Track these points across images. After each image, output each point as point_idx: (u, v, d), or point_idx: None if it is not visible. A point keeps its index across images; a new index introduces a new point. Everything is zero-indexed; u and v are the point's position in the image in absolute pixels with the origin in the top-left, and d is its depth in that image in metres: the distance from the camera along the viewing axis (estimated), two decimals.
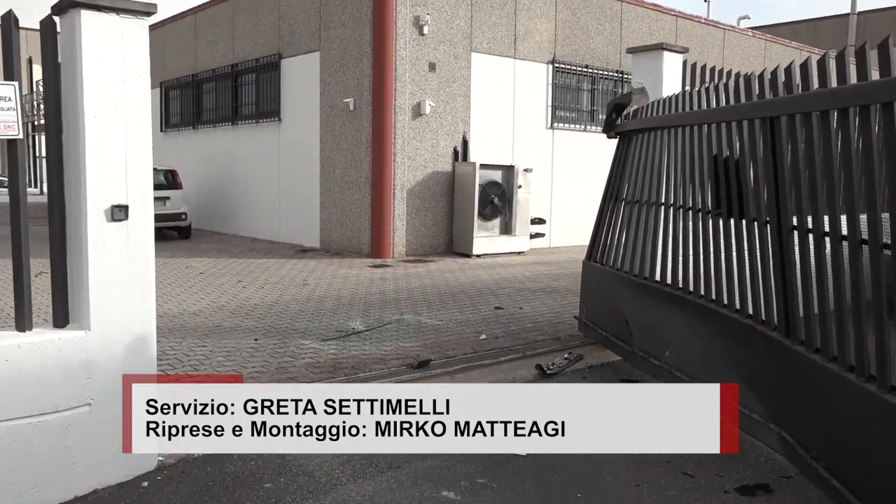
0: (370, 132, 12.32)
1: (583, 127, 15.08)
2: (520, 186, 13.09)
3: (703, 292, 4.88)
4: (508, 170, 13.07)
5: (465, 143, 13.16)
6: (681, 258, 5.22)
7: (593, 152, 15.21)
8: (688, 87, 6.34)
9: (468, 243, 12.68)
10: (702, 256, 4.91)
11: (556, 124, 14.60)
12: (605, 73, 15.31)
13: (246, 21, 15.65)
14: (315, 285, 9.62)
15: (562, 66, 14.51)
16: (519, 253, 13.31)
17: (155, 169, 15.69)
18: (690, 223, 5.10)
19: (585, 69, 14.92)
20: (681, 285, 5.19)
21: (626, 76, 15.56)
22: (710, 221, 4.87)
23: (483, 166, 12.66)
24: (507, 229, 13.15)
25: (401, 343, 6.47)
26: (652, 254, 5.60)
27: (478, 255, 12.73)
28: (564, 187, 14.88)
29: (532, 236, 13.57)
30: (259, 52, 15.21)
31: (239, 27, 15.91)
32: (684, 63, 6.53)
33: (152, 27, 20.67)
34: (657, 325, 5.47)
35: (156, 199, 14.87)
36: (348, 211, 12.94)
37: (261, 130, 15.33)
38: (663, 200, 5.61)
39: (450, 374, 5.56)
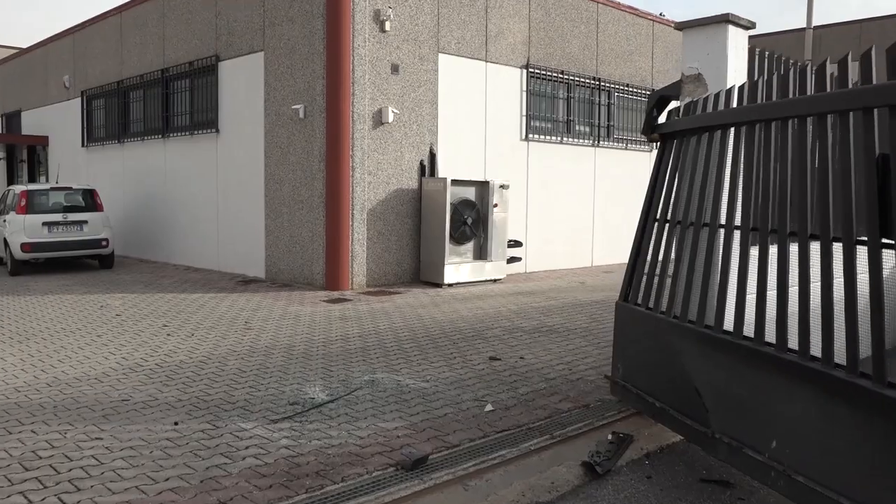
0: (324, 143, 10.54)
1: (559, 139, 13.57)
2: (495, 205, 11.46)
3: (846, 362, 3.26)
4: (482, 186, 11.43)
5: (432, 157, 11.47)
6: (796, 305, 3.60)
7: (570, 167, 13.75)
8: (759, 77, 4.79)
9: (439, 271, 10.96)
10: (842, 305, 3.30)
11: (531, 136, 13.05)
12: (582, 79, 13.87)
13: (178, 20, 13.70)
14: (260, 329, 7.74)
15: (536, 70, 12.99)
16: (495, 281, 11.65)
17: (70, 189, 13.64)
18: (818, 256, 3.48)
19: (561, 75, 13.44)
20: (796, 346, 3.57)
21: (603, 84, 14.18)
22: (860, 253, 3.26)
23: (455, 182, 10.99)
24: (481, 254, 11.49)
25: (380, 423, 4.68)
26: (739, 297, 3.97)
27: (450, 285, 11.01)
28: (541, 206, 13.32)
29: (508, 261, 11.94)
30: (193, 55, 13.27)
31: (170, 27, 13.94)
32: (752, 50, 4.97)
33: (70, 31, 18.53)
34: (754, 400, 3.83)
35: (71, 223, 12.66)
36: (299, 235, 11.09)
37: (196, 143, 13.36)
38: (754, 223, 3.99)
39: (460, 480, 3.81)
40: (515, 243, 12.30)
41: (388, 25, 10.67)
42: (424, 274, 11.24)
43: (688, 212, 4.59)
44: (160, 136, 14.35)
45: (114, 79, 15.93)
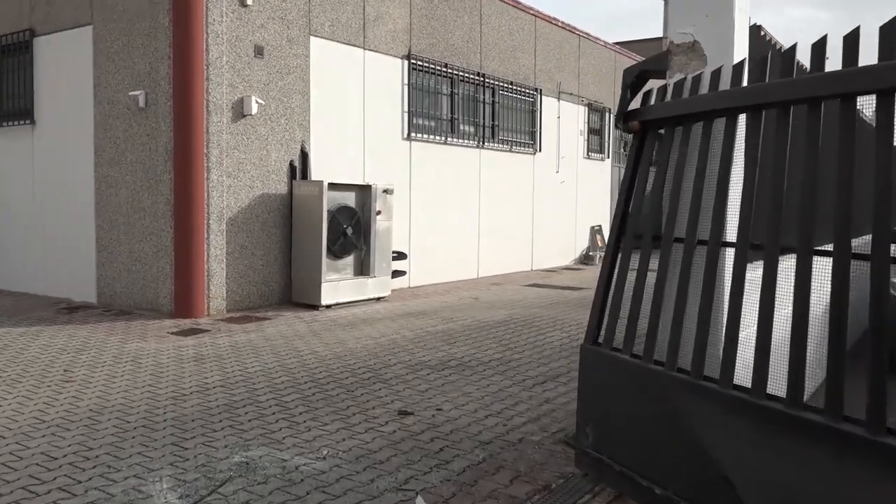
0: (171, 139, 8.61)
1: (443, 139, 12.31)
2: (378, 212, 9.98)
3: None
4: (364, 191, 9.92)
5: (304, 156, 9.80)
6: None
7: (455, 171, 12.55)
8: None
9: (315, 290, 9.31)
10: None
11: (414, 135, 11.68)
12: (466, 74, 12.69)
13: None
14: (84, 381, 5.81)
15: (419, 62, 11.65)
16: (379, 299, 10.17)
17: None
18: None
19: (445, 68, 12.18)
20: None
21: (488, 80, 13.08)
22: None
23: (332, 186, 9.39)
24: (363, 269, 9.96)
25: None
26: (797, 349, 2.76)
27: (328, 306, 9.40)
28: (425, 213, 11.98)
29: (393, 275, 10.50)
30: (1, 29, 10.78)
31: None
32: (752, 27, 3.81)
33: None
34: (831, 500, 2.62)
35: None
36: (140, 250, 9.06)
37: (5, 137, 10.86)
38: (805, 241, 2.80)
39: None
40: (400, 255, 10.88)
41: None
42: (298, 294, 9.55)
43: (693, 226, 3.35)
44: None
45: None
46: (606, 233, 17.70)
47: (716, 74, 3.37)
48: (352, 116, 10.56)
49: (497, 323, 8.65)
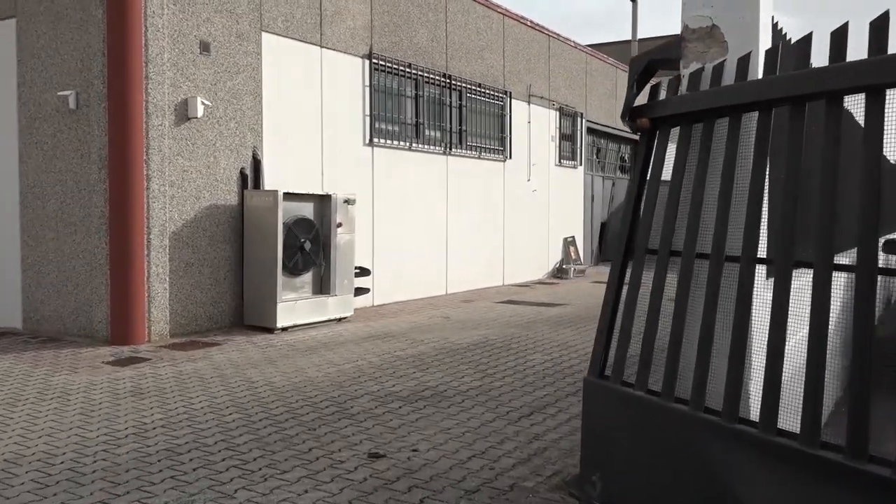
0: (106, 144, 8.03)
1: (407, 144, 11.90)
2: (339, 224, 9.52)
3: None
4: (323, 201, 9.45)
5: (257, 163, 9.30)
6: None
7: (421, 179, 12.19)
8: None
9: (270, 312, 8.78)
10: None
11: (376, 140, 11.25)
12: (431, 75, 12.32)
13: None
14: (2, 423, 5.21)
15: (381, 62, 11.24)
16: (340, 320, 9.68)
17: None
18: None
19: (409, 69, 11.80)
20: None
21: (454, 82, 12.74)
22: None
23: (288, 196, 8.90)
24: (323, 287, 9.47)
25: None
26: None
27: (284, 329, 8.88)
28: (389, 224, 11.55)
29: (356, 293, 10.03)
30: None
31: None
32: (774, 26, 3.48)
33: None
34: None
35: None
36: (71, 269, 8.44)
37: None
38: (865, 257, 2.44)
39: None
40: (363, 271, 10.41)
41: None
42: (251, 316, 9.01)
43: (720, 239, 2.98)
44: None
45: None
46: (581, 244, 17.48)
47: (744, 62, 3.02)
48: (309, 120, 10.09)
49: (472, 345, 8.24)
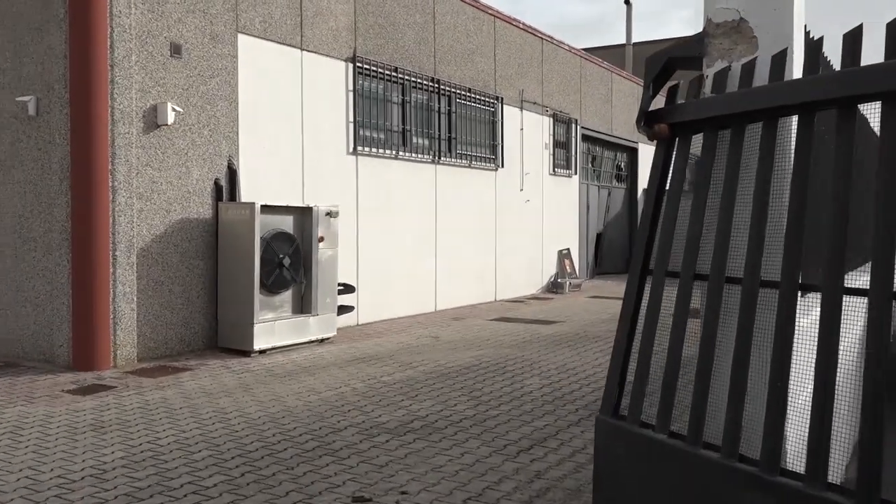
0: (68, 153, 7.70)
1: (394, 153, 11.61)
2: (321, 239, 9.20)
3: None
4: (303, 214, 9.14)
5: (232, 174, 8.97)
6: None
7: (408, 189, 11.93)
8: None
9: (246, 333, 8.44)
10: None
11: (360, 148, 10.95)
12: (419, 80, 12.05)
13: None
14: None
15: (366, 66, 10.96)
16: (323, 340, 9.35)
17: None
18: None
19: (395, 73, 11.53)
20: None
21: (443, 87, 12.50)
22: None
23: (266, 209, 8.59)
24: (304, 306, 9.15)
25: None
26: None
27: (262, 351, 8.54)
28: (375, 238, 11.24)
29: (339, 311, 9.70)
30: None
31: None
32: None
33: None
34: None
35: None
36: (29, 289, 8.07)
37: None
38: None
39: None
40: (346, 288, 10.09)
41: None
42: (226, 338, 8.66)
43: (755, 261, 2.70)
44: None
45: None
46: (576, 256, 17.25)
47: (780, 59, 2.74)
48: (288, 127, 9.78)
49: (463, 368, 7.92)
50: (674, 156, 3.14)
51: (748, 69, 2.89)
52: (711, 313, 2.83)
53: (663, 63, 3.21)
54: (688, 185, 3.03)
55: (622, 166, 21.02)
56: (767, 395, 2.57)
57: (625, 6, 29.17)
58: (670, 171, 3.14)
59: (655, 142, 3.27)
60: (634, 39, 30.72)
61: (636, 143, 20.88)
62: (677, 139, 3.16)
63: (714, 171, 2.96)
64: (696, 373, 2.85)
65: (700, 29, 3.20)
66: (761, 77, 2.87)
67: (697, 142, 3.08)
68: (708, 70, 3.11)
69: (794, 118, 2.65)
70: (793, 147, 2.63)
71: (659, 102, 3.31)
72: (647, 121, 3.22)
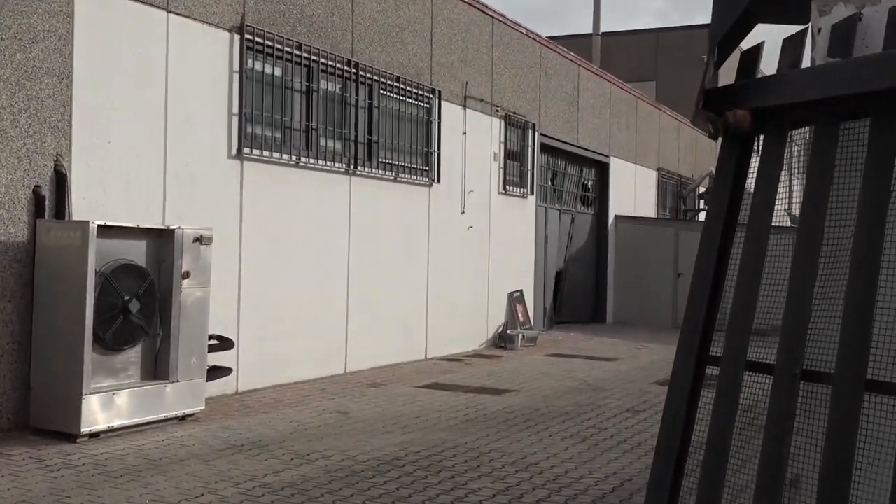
0: None
1: (294, 158, 10.82)
2: (186, 274, 8.35)
3: None
4: (162, 239, 8.33)
5: (60, 179, 8.00)
6: None
7: (313, 207, 11.29)
8: None
9: (72, 408, 7.45)
10: None
11: (248, 150, 10.08)
12: (330, 63, 11.33)
13: None
14: None
15: (258, 39, 10.14)
16: (184, 418, 8.38)
17: None
18: None
19: (298, 51, 10.77)
20: None
21: (363, 74, 11.87)
22: None
23: (106, 231, 7.68)
24: (159, 368, 8.24)
25: None
26: None
27: (94, 435, 7.54)
28: (264, 273, 10.37)
29: (209, 375, 8.78)
30: None
31: None
32: None
33: None
34: None
35: None
36: None
37: None
38: None
39: None
40: (222, 342, 9.24)
41: None
42: (41, 415, 7.67)
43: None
44: None
45: None
46: (530, 301, 16.77)
47: None
48: (146, 117, 8.86)
49: (382, 463, 7.02)
50: (760, 160, 2.32)
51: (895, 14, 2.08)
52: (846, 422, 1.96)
53: (741, 11, 2.39)
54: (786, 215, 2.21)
55: (589, 186, 20.92)
56: None
57: None
58: (752, 185, 2.34)
59: (720, 139, 2.46)
60: (603, 29, 30.96)
61: (607, 157, 20.78)
62: (764, 134, 2.34)
63: (838, 186, 2.14)
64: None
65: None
66: None
67: (800, 137, 2.29)
68: (820, 20, 2.30)
69: None
70: None
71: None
72: (710, 104, 2.39)
